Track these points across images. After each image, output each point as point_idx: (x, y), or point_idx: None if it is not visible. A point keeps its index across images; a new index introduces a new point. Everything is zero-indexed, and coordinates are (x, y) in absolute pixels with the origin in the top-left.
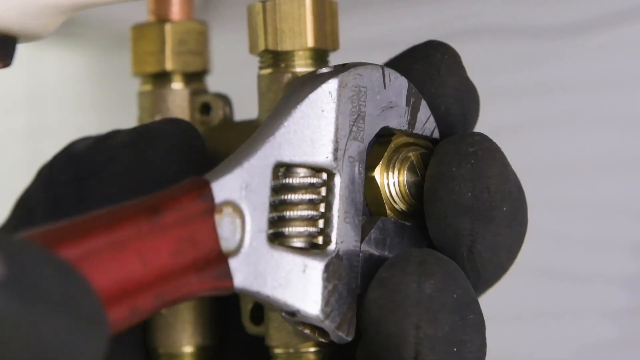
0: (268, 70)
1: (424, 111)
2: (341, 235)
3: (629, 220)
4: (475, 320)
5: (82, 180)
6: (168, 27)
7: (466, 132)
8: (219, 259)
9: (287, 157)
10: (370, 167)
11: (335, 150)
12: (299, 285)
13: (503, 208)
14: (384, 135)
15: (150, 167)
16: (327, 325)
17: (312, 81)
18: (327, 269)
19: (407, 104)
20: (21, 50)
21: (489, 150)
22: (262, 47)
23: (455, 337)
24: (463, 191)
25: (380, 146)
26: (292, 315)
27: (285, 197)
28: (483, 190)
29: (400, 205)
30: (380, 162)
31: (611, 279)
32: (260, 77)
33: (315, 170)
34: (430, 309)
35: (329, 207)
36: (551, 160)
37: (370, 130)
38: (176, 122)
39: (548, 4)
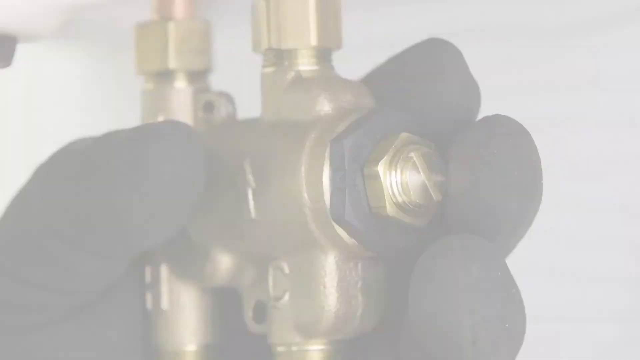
0: (271, 69)
1: None
2: None
3: (632, 220)
4: (518, 293)
5: (80, 178)
6: (171, 26)
7: (486, 117)
8: None
9: None
10: (373, 162)
11: None
12: None
13: (541, 181)
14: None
15: (149, 164)
16: None
17: None
18: None
19: None
20: (21, 50)
21: (518, 127)
22: (265, 45)
23: (506, 314)
24: (511, 170)
25: (384, 142)
26: None
27: None
28: (529, 166)
29: (400, 199)
30: (384, 158)
31: (615, 279)
32: (263, 75)
33: None
34: (482, 290)
35: None
36: (552, 159)
37: None
38: (176, 124)
39: (548, 4)
